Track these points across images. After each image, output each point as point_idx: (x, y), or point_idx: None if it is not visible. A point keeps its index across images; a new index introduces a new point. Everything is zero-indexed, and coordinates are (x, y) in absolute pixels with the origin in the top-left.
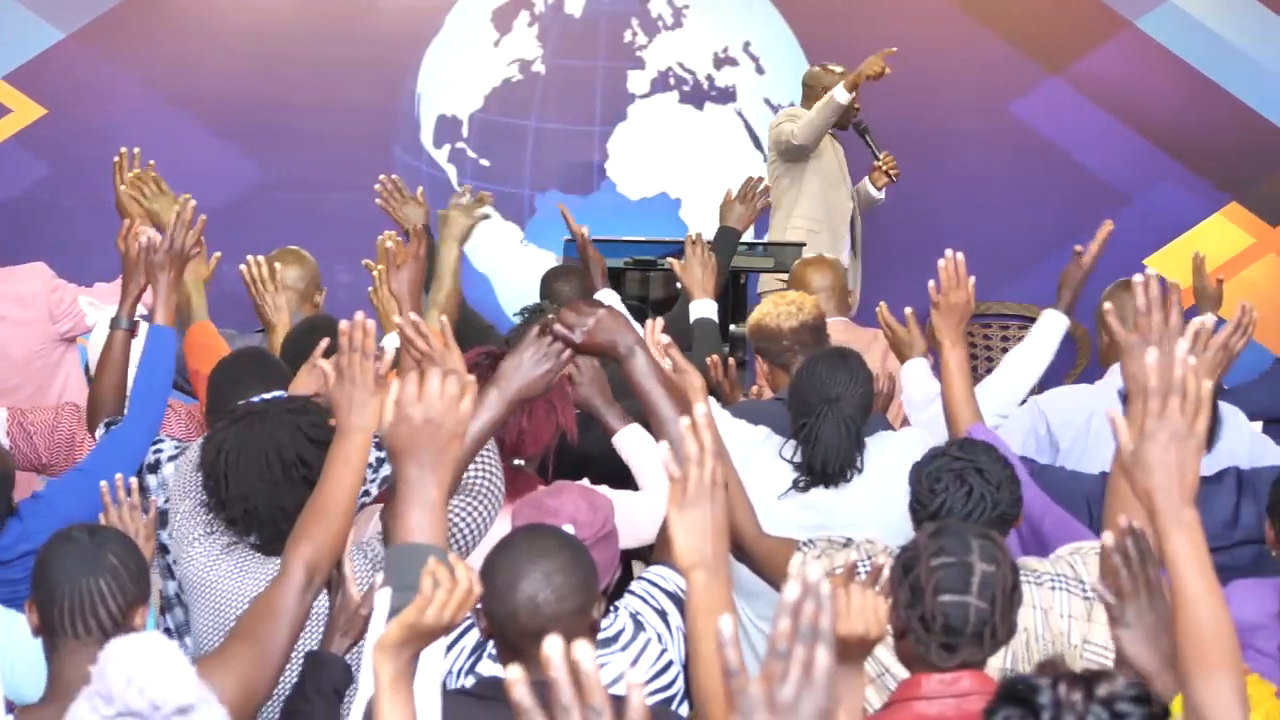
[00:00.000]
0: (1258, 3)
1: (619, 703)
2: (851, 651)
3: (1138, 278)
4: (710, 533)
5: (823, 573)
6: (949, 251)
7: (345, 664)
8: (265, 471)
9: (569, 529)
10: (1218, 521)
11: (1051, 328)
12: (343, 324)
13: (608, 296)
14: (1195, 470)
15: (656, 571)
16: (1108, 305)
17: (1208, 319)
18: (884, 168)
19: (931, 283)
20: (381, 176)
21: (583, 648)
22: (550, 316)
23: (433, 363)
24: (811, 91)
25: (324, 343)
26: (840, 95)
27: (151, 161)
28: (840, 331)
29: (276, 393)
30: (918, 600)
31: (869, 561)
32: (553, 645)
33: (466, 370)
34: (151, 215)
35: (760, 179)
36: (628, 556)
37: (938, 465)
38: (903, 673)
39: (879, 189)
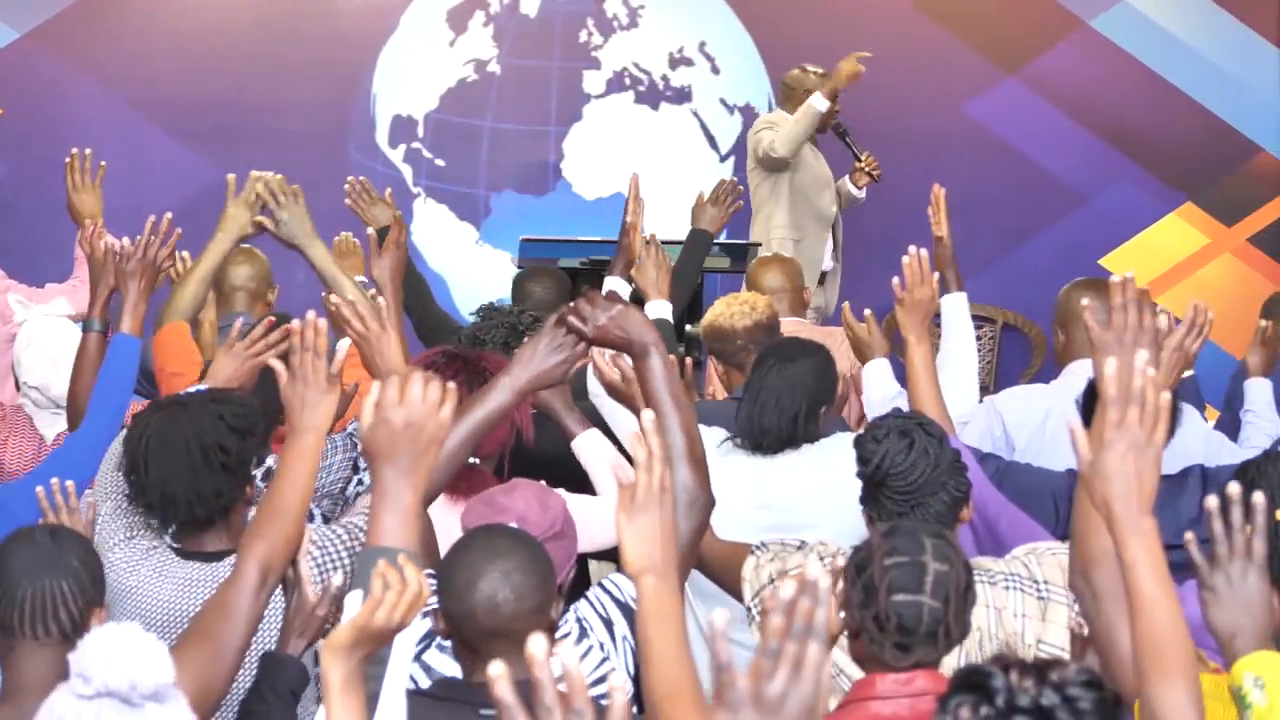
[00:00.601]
0: (1212, 3)
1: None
2: None
3: (1115, 278)
4: (659, 538)
5: (822, 569)
6: (912, 249)
7: (301, 665)
8: (185, 458)
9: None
10: (1184, 520)
11: (959, 312)
12: (295, 323)
13: (614, 283)
14: (1154, 480)
15: (613, 579)
16: (1087, 301)
17: (1161, 319)
18: (865, 168)
19: (896, 280)
20: (350, 178)
21: (568, 648)
22: (567, 306)
23: (368, 343)
24: (791, 93)
25: (238, 323)
26: (818, 103)
27: (103, 163)
28: (796, 331)
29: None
30: (871, 600)
31: (828, 562)
32: (537, 644)
33: (423, 367)
34: (76, 205)
35: (734, 181)
36: (584, 559)
37: (880, 422)
38: (856, 673)
39: (860, 188)
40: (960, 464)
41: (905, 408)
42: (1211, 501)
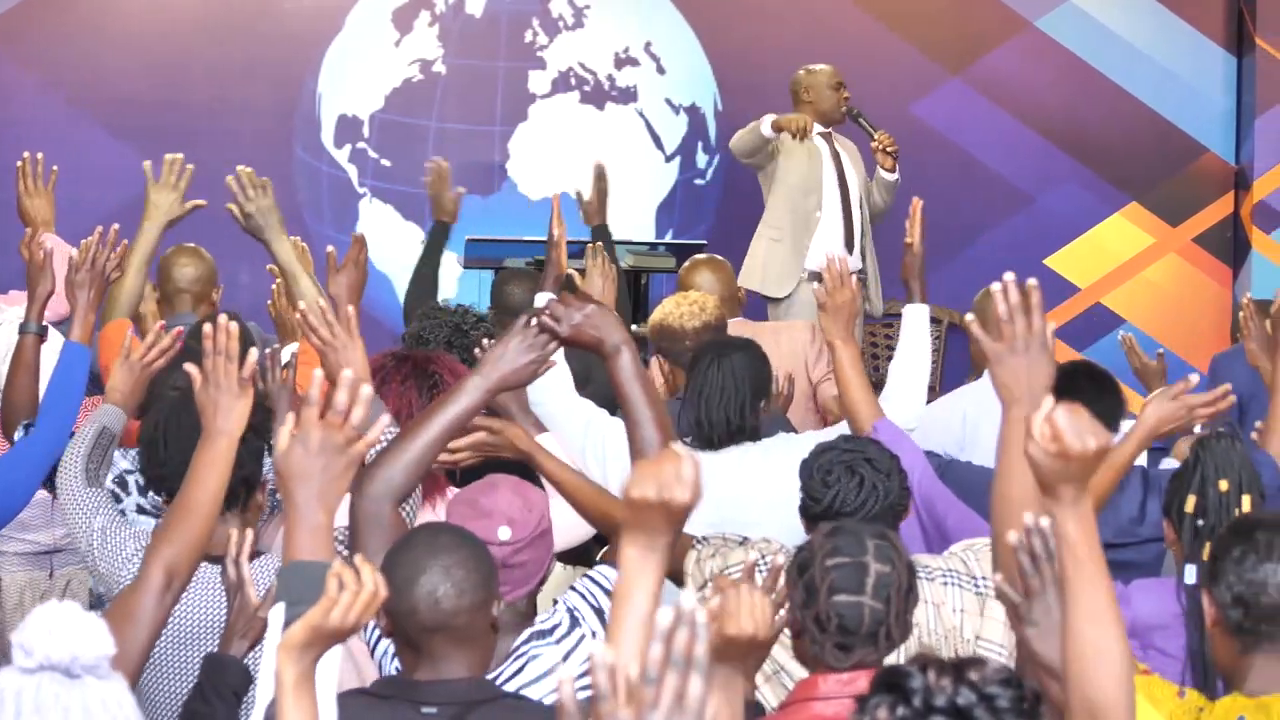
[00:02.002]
0: (1158, 3)
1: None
2: (740, 652)
3: (995, 285)
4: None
5: (697, 601)
6: (828, 254)
7: (244, 666)
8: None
9: (505, 531)
10: (1125, 518)
11: (918, 321)
12: (206, 327)
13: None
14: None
15: (601, 571)
16: (969, 316)
17: (1193, 377)
18: (881, 147)
19: (817, 285)
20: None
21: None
22: (540, 307)
23: (334, 351)
24: (795, 96)
25: (130, 331)
26: (764, 128)
27: (55, 167)
28: (739, 330)
29: None
30: (813, 600)
31: (766, 560)
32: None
33: (372, 370)
34: (28, 209)
35: (600, 166)
36: None
37: (828, 459)
38: (798, 670)
39: (890, 171)
40: (905, 487)
41: None
42: (1012, 537)
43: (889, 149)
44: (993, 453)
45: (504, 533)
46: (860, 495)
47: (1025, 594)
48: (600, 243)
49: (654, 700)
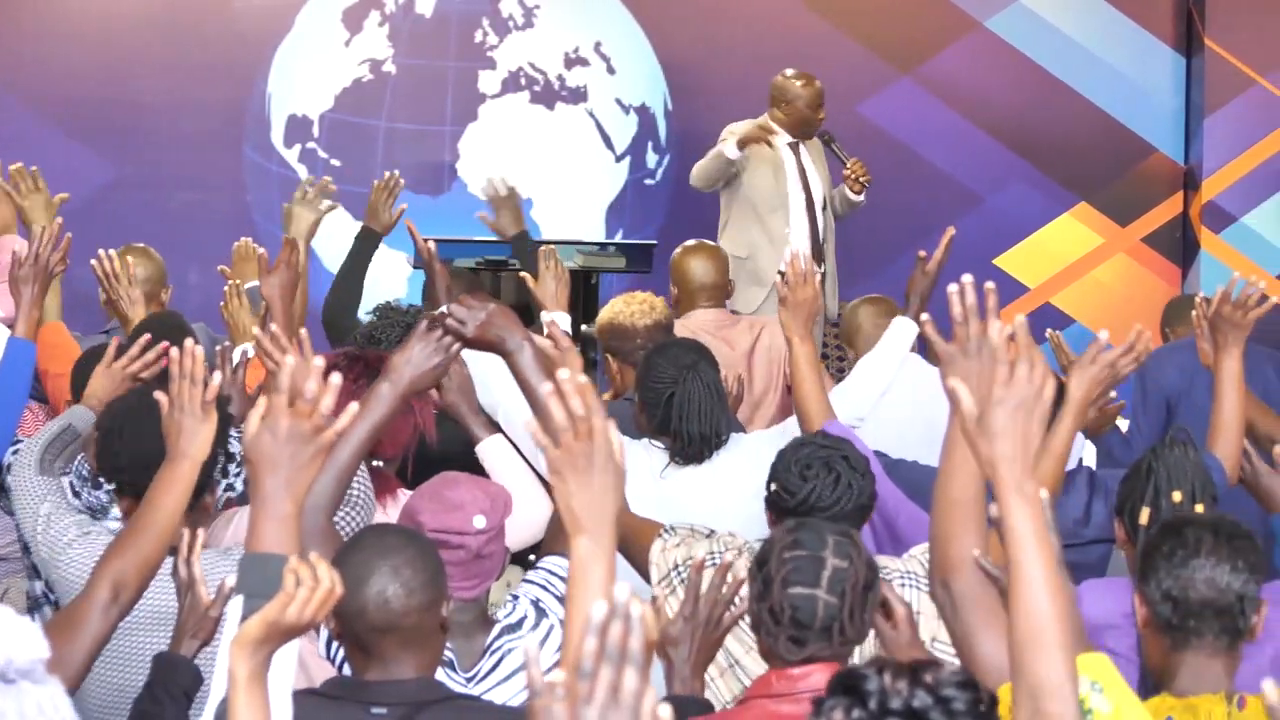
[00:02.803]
0: (1106, 3)
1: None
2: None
3: (952, 287)
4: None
5: (632, 593)
6: (791, 250)
7: (194, 666)
8: (160, 424)
9: (481, 520)
10: (1069, 519)
11: (901, 334)
12: (173, 352)
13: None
14: (1038, 441)
15: (554, 561)
16: (925, 317)
17: (1102, 334)
18: (854, 176)
19: (777, 279)
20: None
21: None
22: (440, 310)
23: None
24: (772, 99)
25: (113, 346)
26: (729, 151)
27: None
28: (719, 321)
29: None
30: (768, 592)
31: (732, 555)
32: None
33: (325, 371)
34: (22, 212)
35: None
36: None
37: (806, 454)
38: (753, 665)
39: (856, 194)
40: (875, 488)
41: None
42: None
43: (860, 178)
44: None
45: (480, 521)
46: (835, 492)
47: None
48: (554, 249)
49: (588, 695)
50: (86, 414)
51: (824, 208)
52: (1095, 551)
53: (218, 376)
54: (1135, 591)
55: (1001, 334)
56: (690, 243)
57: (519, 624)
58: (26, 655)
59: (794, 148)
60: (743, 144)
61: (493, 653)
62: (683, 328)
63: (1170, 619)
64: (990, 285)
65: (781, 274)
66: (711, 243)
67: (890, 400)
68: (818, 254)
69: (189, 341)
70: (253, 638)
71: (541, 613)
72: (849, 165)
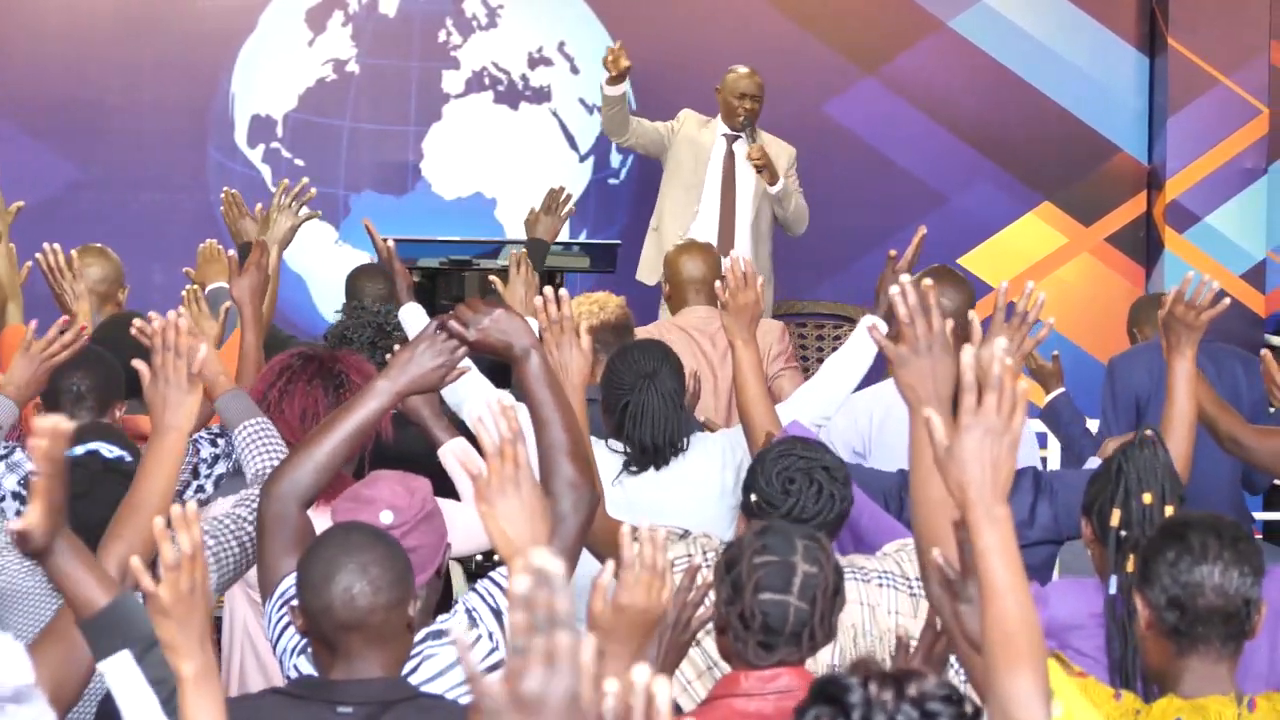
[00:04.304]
0: (1070, 3)
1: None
2: (634, 628)
3: (894, 288)
4: (526, 519)
5: (551, 558)
6: (732, 254)
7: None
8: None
9: (388, 515)
10: (1014, 520)
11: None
12: (157, 322)
13: (411, 311)
14: (1010, 467)
15: (502, 573)
16: (873, 322)
17: (1001, 285)
18: (749, 157)
19: (718, 283)
20: (225, 190)
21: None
22: (447, 313)
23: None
24: (719, 94)
25: (33, 325)
26: (607, 89)
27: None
28: (709, 319)
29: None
30: (738, 597)
31: (709, 557)
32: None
33: (278, 370)
34: None
35: (563, 189)
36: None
37: (786, 465)
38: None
39: (770, 184)
40: (851, 495)
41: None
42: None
43: (753, 160)
44: (897, 452)
45: (386, 516)
46: (818, 503)
47: (961, 572)
48: (526, 250)
49: (524, 668)
50: (7, 404)
51: (751, 208)
52: (1040, 553)
53: (203, 349)
54: (1136, 594)
55: (949, 328)
56: (684, 241)
57: (447, 631)
58: (12, 680)
59: (729, 139)
60: (611, 81)
61: (413, 655)
62: (674, 325)
63: (1177, 625)
64: (929, 283)
65: (721, 278)
66: (704, 242)
67: (896, 426)
68: (726, 241)
69: (172, 313)
70: (162, 608)
71: (472, 622)
72: (749, 149)
